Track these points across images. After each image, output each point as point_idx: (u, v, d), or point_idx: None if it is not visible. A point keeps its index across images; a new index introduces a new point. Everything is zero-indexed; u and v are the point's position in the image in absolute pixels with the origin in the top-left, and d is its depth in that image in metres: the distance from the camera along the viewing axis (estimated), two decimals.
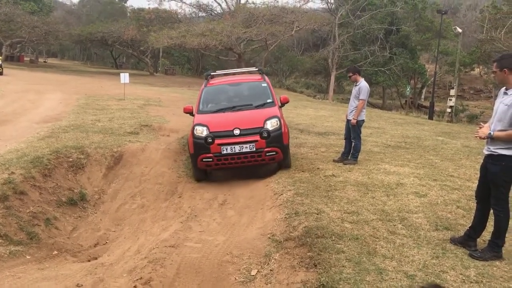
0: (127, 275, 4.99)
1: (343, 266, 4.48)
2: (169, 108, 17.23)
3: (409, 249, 4.87)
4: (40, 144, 9.15)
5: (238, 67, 40.42)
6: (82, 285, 4.66)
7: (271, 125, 8.13)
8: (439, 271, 4.38)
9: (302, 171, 8.21)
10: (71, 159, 8.30)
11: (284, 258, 5.01)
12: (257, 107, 8.82)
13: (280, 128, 8.17)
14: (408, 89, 36.43)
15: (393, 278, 4.24)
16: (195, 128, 8.20)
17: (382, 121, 18.78)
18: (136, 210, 7.54)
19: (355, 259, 4.63)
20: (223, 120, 8.37)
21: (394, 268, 4.45)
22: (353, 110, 8.76)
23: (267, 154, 8.02)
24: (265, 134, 7.98)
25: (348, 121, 8.97)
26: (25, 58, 55.86)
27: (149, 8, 47.12)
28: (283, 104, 9.17)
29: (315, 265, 4.61)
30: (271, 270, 4.88)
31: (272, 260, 5.05)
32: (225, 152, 7.90)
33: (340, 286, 4.11)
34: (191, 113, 8.92)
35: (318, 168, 8.37)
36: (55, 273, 5.14)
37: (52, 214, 6.77)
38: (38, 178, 7.26)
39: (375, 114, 23.08)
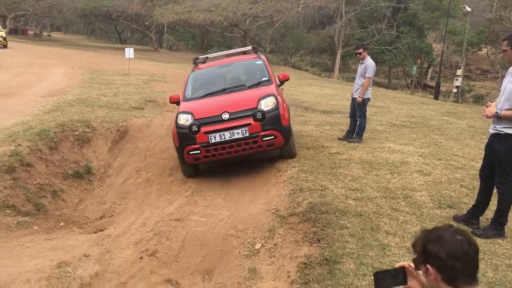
0: (133, 247, 5.07)
1: (346, 242, 4.54)
2: (173, 84, 17.20)
3: (412, 226, 4.92)
4: (46, 118, 9.20)
5: (243, 43, 40.12)
6: (89, 255, 4.74)
7: (265, 104, 6.99)
8: None
9: (307, 149, 8.23)
10: (77, 133, 8.35)
11: (288, 233, 5.08)
12: (251, 87, 7.70)
13: (277, 107, 7.00)
14: (414, 68, 36.12)
15: (396, 254, 4.30)
16: (178, 117, 7.09)
17: (388, 100, 18.71)
18: (141, 184, 7.60)
19: (359, 234, 4.69)
20: (210, 105, 7.26)
21: (396, 244, 4.50)
22: (358, 89, 8.72)
23: (264, 139, 6.85)
24: (259, 116, 6.80)
25: (353, 99, 8.95)
26: (29, 32, 55.57)
27: None
28: (282, 82, 8.11)
29: (319, 240, 4.67)
30: (275, 244, 4.95)
31: (276, 235, 5.11)
32: (213, 140, 6.79)
33: (343, 260, 4.18)
34: (178, 103, 7.86)
35: (322, 146, 8.39)
36: (63, 244, 5.23)
37: (58, 186, 6.85)
38: (45, 150, 7.32)
39: (380, 93, 22.98)
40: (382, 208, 5.41)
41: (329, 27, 43.06)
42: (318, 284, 3.85)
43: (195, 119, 6.92)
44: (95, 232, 5.86)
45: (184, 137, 6.91)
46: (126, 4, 41.93)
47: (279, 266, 4.54)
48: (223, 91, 7.70)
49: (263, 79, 7.93)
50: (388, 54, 39.29)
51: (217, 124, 6.82)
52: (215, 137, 6.78)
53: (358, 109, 8.85)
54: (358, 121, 8.89)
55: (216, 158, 7.04)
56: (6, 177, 6.11)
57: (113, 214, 6.72)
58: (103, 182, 7.67)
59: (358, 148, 8.30)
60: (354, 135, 8.94)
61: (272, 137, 6.91)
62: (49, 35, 60.69)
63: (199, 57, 9.11)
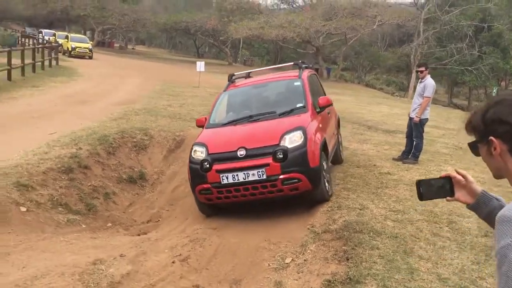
0: (168, 251, 5.25)
1: (374, 262, 4.41)
2: None
3: (449, 252, 4.69)
4: (111, 124, 9.76)
5: (316, 60, 40.19)
6: (124, 256, 4.97)
7: (290, 140, 5.82)
8: (475, 277, 4.18)
9: (357, 167, 8.09)
10: (135, 140, 8.79)
11: (319, 249, 5.02)
12: (282, 115, 6.53)
13: (304, 144, 5.79)
14: (495, 90, 34.28)
15: (424, 279, 4.11)
16: (193, 148, 6.21)
17: (461, 122, 17.84)
18: (190, 193, 7.83)
19: (389, 256, 4.54)
20: (228, 136, 6.26)
21: (427, 269, 4.31)
22: (416, 108, 8.47)
23: (285, 182, 5.69)
24: (279, 155, 5.67)
25: (410, 118, 8.70)
26: (115, 44, 59.24)
27: None
28: (322, 108, 6.80)
29: (347, 259, 4.58)
30: (305, 260, 4.91)
31: (308, 251, 5.07)
32: (225, 181, 5.74)
33: (366, 281, 4.07)
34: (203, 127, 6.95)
35: (374, 165, 8.21)
36: (105, 243, 5.51)
37: (111, 189, 7.24)
38: (103, 154, 7.78)
39: (454, 115, 22.01)
40: (422, 231, 5.20)
41: (405, 46, 42.06)
42: None
43: (208, 154, 5.93)
44: (138, 235, 6.12)
45: (195, 174, 5.99)
46: (204, 20, 43.67)
47: (304, 281, 4.51)
48: (249, 118, 6.61)
49: (298, 105, 6.68)
50: (468, 75, 37.66)
51: (231, 162, 5.79)
52: (227, 178, 5.73)
53: (415, 129, 8.58)
54: (414, 142, 8.62)
55: (231, 201, 5.97)
56: (63, 177, 6.57)
57: (160, 219, 6.98)
58: (154, 188, 7.99)
59: (411, 169, 8.03)
60: (409, 156, 8.67)
61: (295, 180, 5.71)
62: (133, 48, 64.30)
63: (235, 73, 7.96)
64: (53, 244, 5.13)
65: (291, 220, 6.04)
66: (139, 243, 5.59)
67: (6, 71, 16.11)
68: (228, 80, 7.68)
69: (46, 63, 22.76)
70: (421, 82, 8.52)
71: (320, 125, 6.47)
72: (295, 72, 7.63)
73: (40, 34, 39.37)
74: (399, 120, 16.66)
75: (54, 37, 36.41)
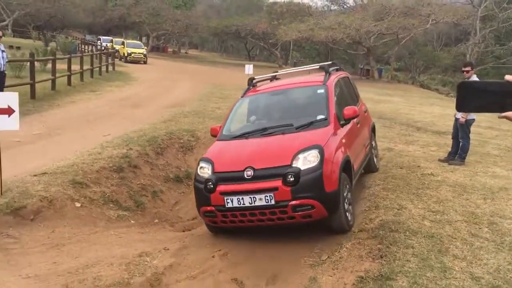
0: (209, 246, 5.51)
1: (408, 260, 4.47)
2: None
3: (486, 253, 4.66)
4: (160, 126, 10.22)
5: (367, 61, 39.69)
6: (168, 249, 5.28)
7: (304, 161, 5.10)
8: (510, 277, 4.15)
9: (400, 168, 8.06)
10: (182, 141, 9.18)
11: (354, 247, 5.12)
12: (300, 128, 5.72)
13: (319, 166, 5.05)
14: None
15: (456, 278, 4.14)
16: (200, 164, 5.66)
17: None
18: None
19: (423, 255, 4.58)
20: (237, 153, 5.64)
21: (461, 268, 4.32)
22: None
23: (297, 209, 5.00)
24: (290, 178, 4.95)
25: (456, 119, 8.56)
26: (169, 49, 60.94)
27: (283, 1, 48.29)
28: (347, 120, 6.01)
29: (381, 257, 4.66)
30: (340, 257, 5.02)
31: (344, 249, 5.17)
32: (230, 205, 5.13)
33: (398, 278, 4.14)
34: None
35: (418, 166, 8.15)
36: (151, 238, 5.85)
37: (159, 187, 7.61)
38: (151, 155, 8.19)
39: None
40: (460, 232, 5.17)
41: (460, 45, 40.72)
42: None
43: (213, 172, 5.36)
44: (183, 231, 6.42)
45: (199, 194, 5.46)
46: (254, 23, 44.13)
47: (338, 278, 4.62)
48: (263, 131, 5.88)
49: (319, 117, 5.88)
50: None
51: (237, 184, 5.17)
52: (232, 201, 5.11)
53: (461, 130, 8.45)
54: (460, 143, 8.48)
55: (237, 225, 5.40)
56: (114, 176, 7.00)
57: None
58: None
59: (457, 170, 7.91)
60: (456, 157, 8.53)
61: (308, 207, 5.00)
62: (186, 52, 65.92)
63: (256, 77, 7.19)
64: (104, 237, 5.51)
65: None
66: (182, 238, 5.89)
67: (66, 77, 17.10)
68: (248, 85, 6.97)
69: (103, 68, 23.88)
70: None
71: (344, 140, 5.71)
72: (318, 77, 6.71)
73: (99, 41, 41.23)
74: (451, 121, 16.20)
75: (111, 44, 38.07)
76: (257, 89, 6.92)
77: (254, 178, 5.11)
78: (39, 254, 4.64)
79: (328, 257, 5.11)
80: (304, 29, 34.44)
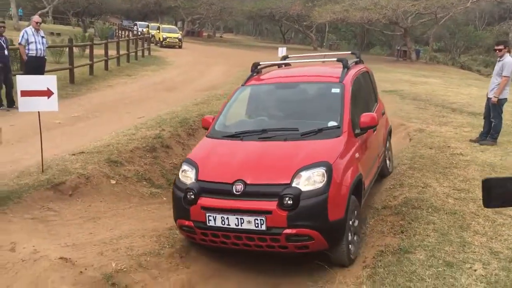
0: None
1: (427, 235, 4.56)
2: None
3: (507, 229, 4.69)
4: (193, 108, 10.48)
5: (405, 42, 38.81)
6: None
7: (307, 181, 4.18)
8: None
9: (430, 148, 8.03)
10: None
11: (377, 223, 5.23)
12: (306, 135, 4.74)
13: (325, 189, 4.14)
14: None
15: (475, 252, 4.21)
16: (182, 167, 4.81)
17: None
18: None
19: (443, 230, 4.65)
20: (227, 158, 4.72)
21: (480, 243, 4.38)
22: (494, 88, 8.21)
23: (292, 239, 4.12)
24: (288, 201, 4.05)
25: (488, 99, 8.44)
26: (204, 34, 61.27)
27: None
28: (363, 130, 4.97)
29: (402, 232, 4.77)
30: (363, 233, 5.14)
31: (367, 225, 5.30)
32: (212, 223, 4.24)
33: (416, 251, 4.25)
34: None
35: (448, 146, 8.11)
36: None
37: None
38: (183, 136, 8.45)
39: None
40: (483, 209, 5.18)
41: (503, 23, 39.25)
42: (383, 269, 4.01)
43: (197, 179, 4.46)
44: None
45: (177, 204, 4.58)
46: (288, 6, 43.77)
47: (359, 252, 4.75)
48: (262, 133, 4.92)
49: (331, 123, 4.90)
50: None
51: (223, 199, 4.26)
52: (214, 219, 4.22)
53: (493, 110, 8.32)
54: (492, 123, 8.35)
55: (218, 246, 4.48)
56: (147, 155, 7.29)
57: None
58: None
59: (487, 150, 7.84)
60: (487, 137, 8.42)
61: (305, 238, 4.12)
62: (221, 36, 66.09)
63: (262, 62, 6.09)
64: (137, 212, 5.81)
65: None
66: None
67: (103, 62, 17.63)
68: (251, 71, 5.93)
69: (139, 53, 24.38)
70: (499, 61, 8.24)
71: (357, 155, 4.78)
72: (334, 70, 5.65)
73: (135, 27, 41.94)
74: None
75: (147, 29, 38.66)
76: (262, 77, 5.93)
77: (244, 195, 4.18)
78: (77, 226, 4.97)
79: None
80: (338, 11, 33.98)
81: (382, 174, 6.59)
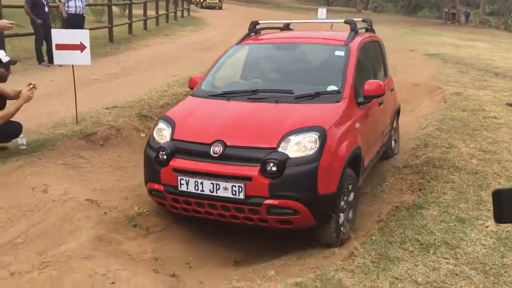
0: None
1: (444, 193, 4.56)
2: None
3: None
4: None
5: (453, 4, 37.11)
6: None
7: (296, 147, 3.70)
8: None
9: (463, 111, 7.85)
10: None
11: (397, 181, 5.25)
12: (300, 99, 4.27)
13: (317, 156, 3.65)
14: None
15: (489, 209, 4.18)
16: (157, 125, 4.30)
17: None
18: None
19: (461, 189, 4.65)
20: (209, 117, 4.19)
21: None
22: None
23: (273, 211, 3.63)
24: (271, 167, 3.55)
25: None
26: None
27: None
28: (368, 98, 4.49)
29: (420, 190, 4.78)
30: (382, 190, 5.18)
31: (386, 183, 5.32)
32: (183, 188, 3.77)
33: (430, 207, 4.27)
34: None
35: (482, 110, 7.90)
36: None
37: None
38: None
39: None
40: (507, 170, 5.13)
41: None
42: (395, 222, 4.07)
43: (172, 139, 4.00)
44: None
45: (148, 165, 4.11)
46: None
47: (376, 208, 4.80)
48: (253, 94, 4.45)
49: (331, 87, 4.42)
50: None
51: (198, 161, 3.79)
52: (187, 183, 3.75)
53: None
54: None
55: (191, 215, 3.99)
56: None
57: None
58: None
59: None
60: None
61: (290, 212, 3.62)
62: None
63: (261, 21, 5.61)
64: None
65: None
66: None
67: (142, 21, 17.87)
68: (249, 29, 5.46)
69: (179, 14, 24.51)
70: None
71: (357, 125, 4.26)
72: (340, 35, 5.14)
73: None
74: None
75: None
76: (260, 37, 5.48)
77: (223, 158, 3.71)
78: (105, 174, 5.24)
79: (371, 189, 5.29)
80: None
81: (386, 155, 5.96)
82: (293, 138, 3.71)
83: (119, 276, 3.14)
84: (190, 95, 4.84)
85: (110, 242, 3.74)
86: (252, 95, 4.42)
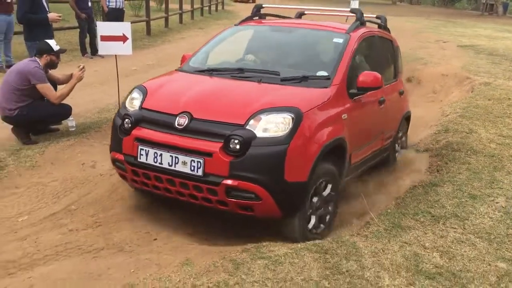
0: None
1: (459, 173, 4.85)
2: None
3: None
4: None
5: None
6: None
7: (265, 126, 3.42)
8: None
9: (488, 99, 7.98)
10: None
11: (418, 164, 5.55)
12: (286, 81, 3.99)
13: (287, 139, 3.37)
14: None
15: (502, 188, 4.47)
16: (130, 94, 4.22)
17: None
18: None
19: (476, 170, 4.92)
20: (183, 89, 3.96)
21: (510, 181, 4.62)
22: None
23: (232, 194, 3.37)
24: (234, 145, 3.30)
25: None
26: None
27: None
28: (361, 91, 4.18)
29: (438, 171, 5.08)
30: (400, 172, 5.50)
31: (407, 166, 5.63)
32: (143, 159, 3.58)
33: (444, 185, 4.58)
34: None
35: (508, 99, 8.01)
36: None
37: None
38: None
39: None
40: None
41: None
42: (410, 198, 4.39)
43: (140, 108, 3.82)
44: None
45: (113, 133, 3.96)
46: None
47: (395, 187, 5.11)
48: (238, 73, 4.19)
49: (320, 73, 4.13)
50: None
51: (160, 131, 3.60)
52: (146, 154, 3.56)
53: None
54: None
55: (150, 190, 3.79)
56: None
57: None
58: None
59: None
60: None
61: (252, 195, 3.34)
62: None
63: (264, 5, 5.39)
64: None
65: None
66: None
67: (178, 15, 18.47)
68: (252, 13, 5.28)
69: (213, 7, 25.02)
70: None
71: (345, 116, 3.93)
72: (343, 25, 4.88)
73: None
74: None
75: None
76: (262, 20, 5.28)
77: (187, 131, 3.48)
78: None
79: (390, 173, 5.59)
80: None
81: (385, 161, 5.43)
82: (265, 117, 3.42)
83: (160, 235, 3.62)
84: (177, 68, 4.66)
85: (150, 209, 4.19)
86: (236, 73, 4.19)
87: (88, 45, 11.14)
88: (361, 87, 4.12)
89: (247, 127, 3.38)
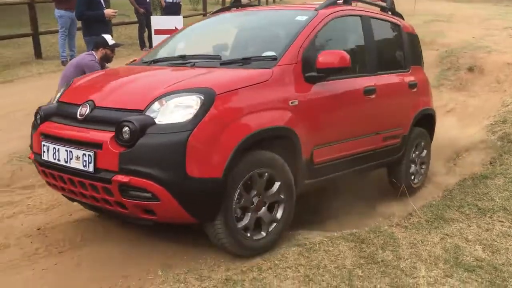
0: None
1: None
2: (456, 24, 16.69)
3: None
4: None
5: None
6: None
7: (170, 111, 2.80)
8: None
9: None
10: None
11: (470, 155, 5.37)
12: (225, 65, 3.47)
13: (192, 124, 2.73)
14: None
15: None
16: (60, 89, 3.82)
17: None
18: None
19: None
20: (102, 80, 3.61)
21: None
22: None
23: (127, 193, 2.76)
24: (125, 133, 2.72)
25: None
26: None
27: None
28: (322, 72, 3.41)
29: (491, 163, 4.89)
30: (454, 164, 5.34)
31: (460, 157, 5.46)
32: (45, 157, 3.14)
33: (495, 178, 4.41)
34: None
35: None
36: None
37: None
38: None
39: None
40: None
41: None
42: (458, 190, 4.27)
43: (57, 101, 3.46)
44: None
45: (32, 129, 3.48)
46: None
47: (446, 178, 4.96)
48: (178, 60, 3.81)
49: (266, 54, 3.50)
50: None
51: (62, 124, 3.17)
52: (48, 151, 3.12)
53: None
54: None
55: (64, 194, 3.45)
56: None
57: None
58: None
59: None
60: None
61: (148, 195, 2.73)
62: None
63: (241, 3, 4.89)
64: None
65: (463, 132, 6.26)
66: None
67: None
68: (231, 4, 4.82)
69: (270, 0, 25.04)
70: None
71: (294, 103, 3.26)
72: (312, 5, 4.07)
73: None
74: None
75: None
76: (235, 10, 4.71)
77: (87, 121, 3.02)
78: None
79: (450, 162, 5.44)
80: None
81: (393, 175, 4.53)
82: (170, 102, 2.84)
83: None
84: (129, 62, 4.40)
85: None
86: (175, 60, 3.80)
87: (147, 39, 11.53)
88: (321, 68, 3.36)
89: (147, 112, 2.81)
